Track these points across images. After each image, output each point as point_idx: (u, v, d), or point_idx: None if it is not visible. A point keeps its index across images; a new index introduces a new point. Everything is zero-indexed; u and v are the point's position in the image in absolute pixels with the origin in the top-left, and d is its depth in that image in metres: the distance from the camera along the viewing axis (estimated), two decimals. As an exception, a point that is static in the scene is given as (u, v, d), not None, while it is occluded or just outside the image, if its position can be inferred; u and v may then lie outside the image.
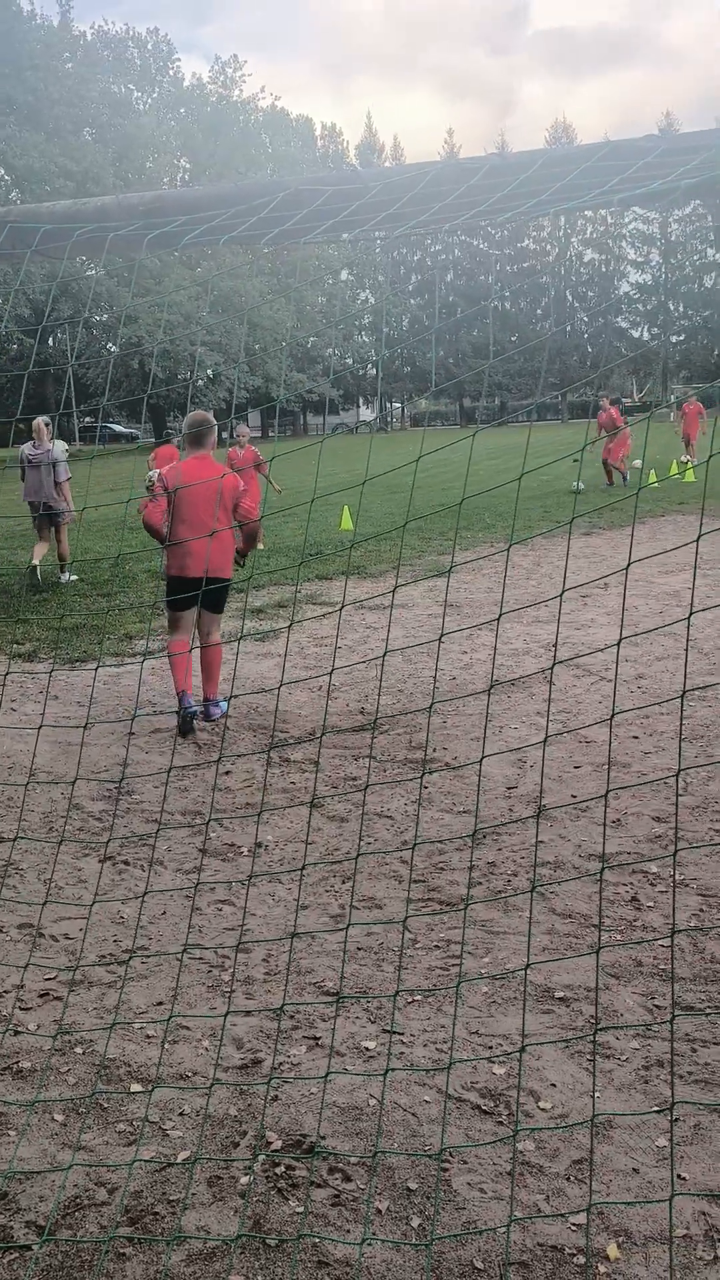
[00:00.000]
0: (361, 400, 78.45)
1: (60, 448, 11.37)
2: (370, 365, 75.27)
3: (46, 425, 11.54)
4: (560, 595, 2.03)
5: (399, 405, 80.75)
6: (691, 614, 1.86)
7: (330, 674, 2.63)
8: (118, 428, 64.92)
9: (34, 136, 43.35)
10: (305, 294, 63.44)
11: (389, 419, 77.72)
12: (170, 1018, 3.04)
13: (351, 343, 73.06)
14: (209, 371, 56.88)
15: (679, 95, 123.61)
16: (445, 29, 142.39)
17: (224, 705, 6.42)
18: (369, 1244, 2.22)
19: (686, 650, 2.71)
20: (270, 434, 70.87)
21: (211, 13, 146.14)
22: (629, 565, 1.89)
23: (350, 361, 73.90)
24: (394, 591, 2.42)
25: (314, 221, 2.66)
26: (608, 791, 2.26)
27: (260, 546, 9.15)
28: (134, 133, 51.94)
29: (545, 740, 2.26)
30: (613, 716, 2.22)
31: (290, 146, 67.13)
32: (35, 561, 11.14)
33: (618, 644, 1.93)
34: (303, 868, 3.34)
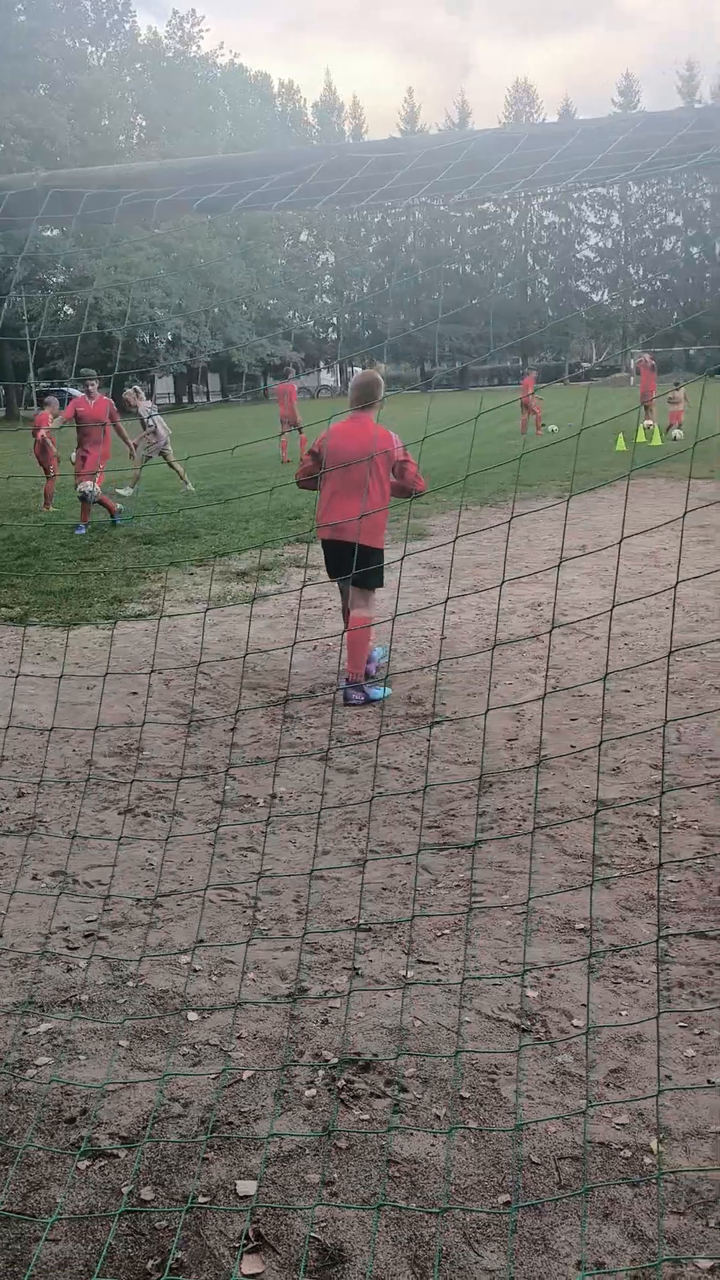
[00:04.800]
0: (323, 364, 77.97)
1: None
2: (331, 329, 74.68)
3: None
4: (619, 547, 2.19)
5: (359, 369, 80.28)
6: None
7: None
8: (74, 391, 63.91)
9: (-12, 91, 42.47)
10: (265, 256, 62.71)
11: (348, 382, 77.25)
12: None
13: (313, 305, 72.43)
14: (169, 335, 56.24)
15: (635, 58, 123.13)
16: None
17: (376, 692, 5.98)
18: (432, 1145, 2.42)
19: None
20: (230, 399, 70.16)
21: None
22: (685, 512, 2.05)
23: (311, 324, 73.36)
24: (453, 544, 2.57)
25: (361, 189, 2.77)
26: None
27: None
28: (90, 89, 50.82)
29: (605, 678, 2.43)
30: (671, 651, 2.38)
31: (249, 104, 66.06)
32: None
33: (674, 586, 2.09)
34: (373, 804, 3.50)
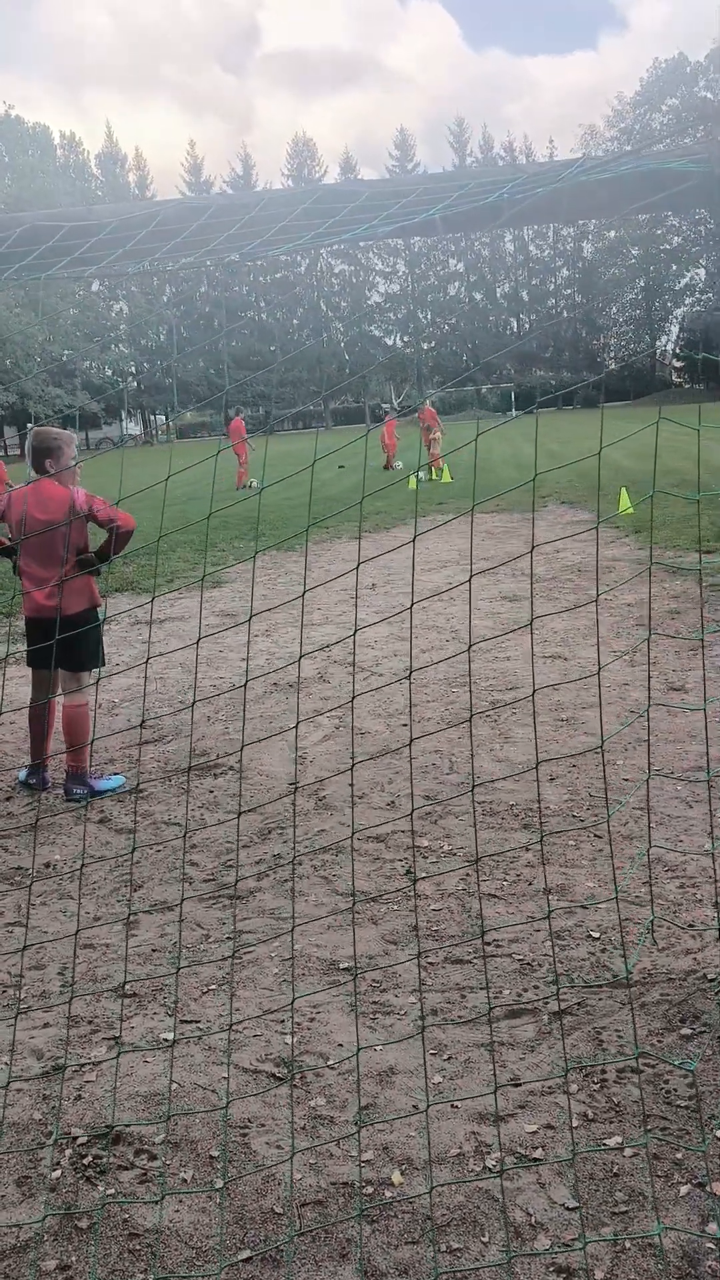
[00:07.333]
0: (124, 413, 77.12)
1: None
2: (130, 378, 74.05)
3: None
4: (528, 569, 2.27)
5: (163, 417, 79.88)
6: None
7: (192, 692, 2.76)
8: None
9: None
10: (56, 306, 61.66)
11: (153, 431, 76.73)
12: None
13: (109, 354, 71.60)
14: (-43, 389, 54.31)
15: (409, 114, 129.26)
16: (178, 46, 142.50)
17: (106, 783, 5.48)
18: (177, 1210, 2.39)
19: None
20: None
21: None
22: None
23: (109, 373, 72.49)
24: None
25: (53, 257, 2.79)
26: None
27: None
28: None
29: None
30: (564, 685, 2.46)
31: (29, 156, 65.10)
32: None
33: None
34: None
